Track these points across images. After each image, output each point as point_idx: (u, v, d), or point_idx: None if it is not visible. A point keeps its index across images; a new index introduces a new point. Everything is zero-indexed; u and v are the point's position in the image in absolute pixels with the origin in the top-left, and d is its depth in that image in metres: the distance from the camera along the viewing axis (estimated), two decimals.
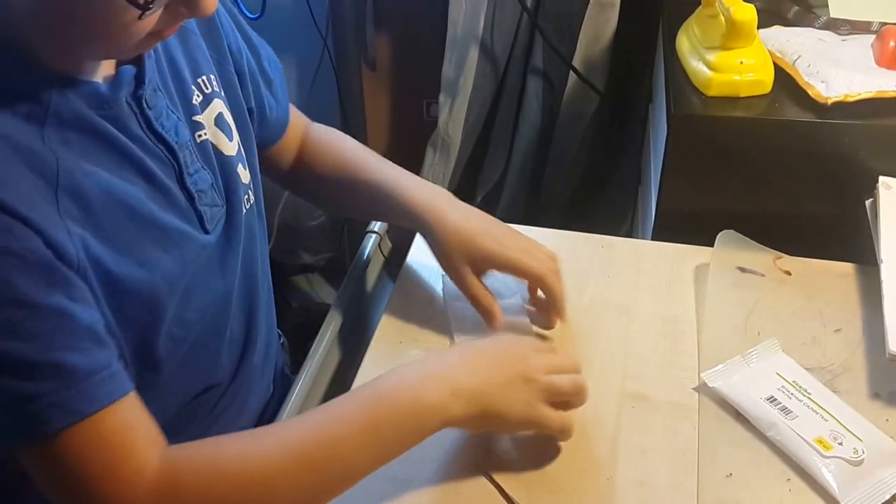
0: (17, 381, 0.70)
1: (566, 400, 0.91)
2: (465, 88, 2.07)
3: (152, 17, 0.74)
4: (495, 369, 0.88)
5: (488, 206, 2.19)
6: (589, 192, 2.17)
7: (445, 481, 0.90)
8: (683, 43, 1.35)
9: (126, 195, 0.81)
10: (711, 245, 1.16)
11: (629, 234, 2.02)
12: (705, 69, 1.27)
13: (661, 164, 1.32)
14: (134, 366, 0.84)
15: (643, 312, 1.09)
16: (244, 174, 0.98)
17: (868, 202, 1.15)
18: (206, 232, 0.91)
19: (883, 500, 0.86)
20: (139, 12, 0.71)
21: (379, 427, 0.83)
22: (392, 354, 1.05)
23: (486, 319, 1.05)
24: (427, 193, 1.09)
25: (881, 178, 1.16)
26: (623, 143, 2.09)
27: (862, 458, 0.89)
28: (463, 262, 1.04)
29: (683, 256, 1.18)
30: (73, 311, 0.73)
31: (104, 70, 0.83)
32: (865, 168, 1.20)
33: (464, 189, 2.20)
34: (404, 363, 0.88)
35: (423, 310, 1.11)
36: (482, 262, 1.05)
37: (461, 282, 1.05)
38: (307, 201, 1.25)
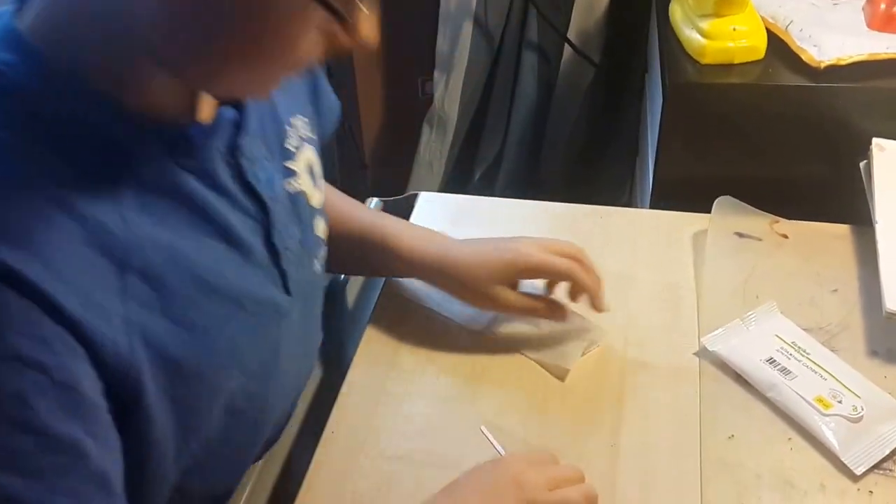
0: None
1: None
2: (460, 64, 2.07)
3: (311, 40, 0.63)
4: (474, 497, 0.79)
5: (487, 182, 2.21)
6: (587, 164, 2.19)
7: (446, 452, 0.90)
8: (676, 11, 1.37)
9: (204, 267, 0.70)
10: (709, 212, 1.17)
11: (628, 204, 2.04)
12: (699, 37, 1.28)
13: (657, 133, 1.34)
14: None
15: (643, 280, 1.11)
16: (320, 227, 0.88)
17: (862, 164, 1.17)
18: (289, 293, 0.80)
19: (883, 455, 0.88)
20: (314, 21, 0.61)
21: None
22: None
23: (550, 318, 1.01)
24: (421, 237, 1.01)
25: (874, 140, 1.17)
26: (620, 113, 2.10)
27: (861, 414, 0.91)
28: (491, 283, 0.98)
29: (681, 223, 1.19)
30: (88, 450, 0.61)
31: (198, 112, 0.70)
32: (859, 130, 1.22)
33: (462, 165, 2.21)
34: None
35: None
36: (508, 275, 0.98)
37: (496, 303, 0.99)
38: None
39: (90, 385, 0.61)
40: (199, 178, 0.70)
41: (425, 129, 2.18)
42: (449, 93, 2.11)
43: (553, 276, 1.00)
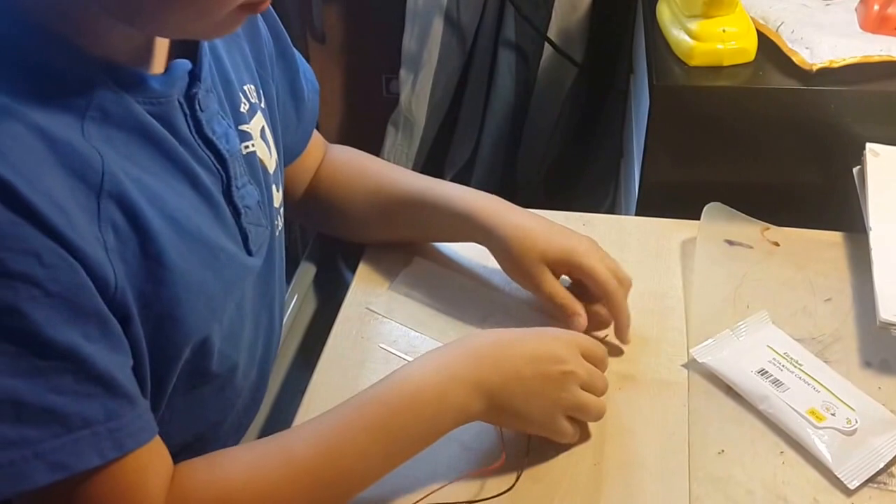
0: (0, 424, 0.65)
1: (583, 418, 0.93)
2: (429, 62, 2.07)
3: None
4: (527, 366, 0.87)
5: None
6: (567, 168, 2.19)
7: (426, 458, 0.90)
8: (664, 11, 1.39)
9: (173, 207, 0.77)
10: (697, 218, 1.19)
11: (611, 210, 2.05)
12: (687, 38, 1.31)
13: (643, 137, 1.36)
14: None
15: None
16: (277, 196, 0.95)
17: (855, 169, 1.20)
18: (250, 253, 0.88)
19: (877, 469, 0.90)
20: None
21: (392, 432, 0.83)
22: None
23: (570, 322, 1.02)
24: (481, 198, 1.07)
25: (868, 145, 1.20)
26: (603, 116, 2.11)
27: (855, 427, 0.93)
28: (537, 261, 1.02)
29: (669, 231, 1.21)
30: (87, 354, 0.68)
31: (155, 63, 0.79)
32: (852, 135, 1.25)
33: (430, 170, 2.21)
34: (421, 356, 0.88)
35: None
36: (557, 262, 1.03)
37: (537, 283, 1.03)
38: (324, 230, 1.21)
39: (88, 295, 0.68)
40: (163, 125, 0.77)
41: (390, 130, 2.17)
42: (416, 93, 2.11)
43: (594, 287, 1.03)
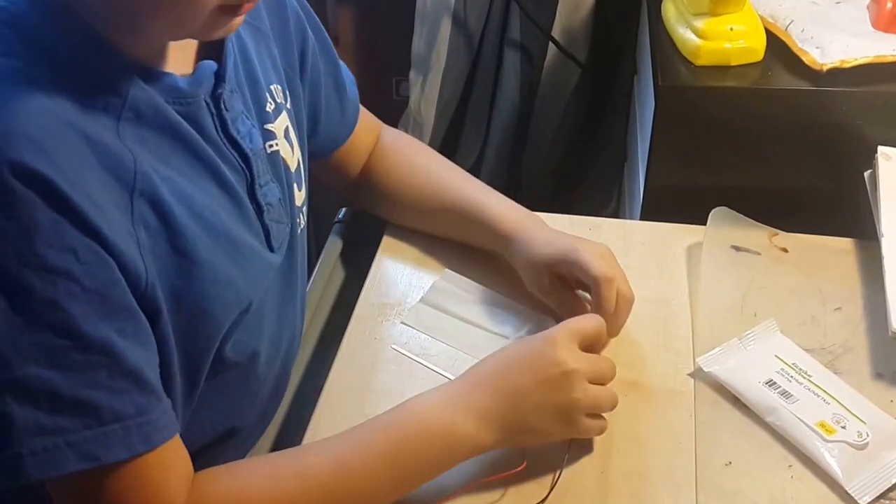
0: (36, 411, 0.69)
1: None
2: (437, 64, 2.07)
3: None
4: (529, 379, 0.88)
5: None
6: (572, 171, 2.19)
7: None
8: (669, 9, 1.38)
9: (202, 205, 0.81)
10: (703, 223, 1.18)
11: (615, 214, 2.05)
12: (693, 37, 1.29)
13: (648, 139, 1.35)
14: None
15: (634, 296, 1.11)
16: (298, 195, 0.98)
17: (867, 174, 1.18)
18: (272, 250, 0.92)
19: (889, 484, 0.89)
20: None
21: (402, 462, 0.85)
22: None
23: None
24: (514, 214, 1.10)
25: (880, 148, 1.18)
26: (607, 117, 2.10)
27: (866, 441, 0.92)
28: (540, 266, 1.04)
29: (675, 236, 1.20)
30: (120, 349, 0.72)
31: (183, 65, 0.83)
32: (864, 138, 1.23)
33: None
34: (431, 389, 0.90)
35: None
36: (555, 261, 1.03)
37: (544, 291, 1.05)
38: (375, 213, 1.23)
39: (122, 291, 0.72)
40: (191, 124, 0.81)
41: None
42: (425, 95, 2.11)
43: (585, 279, 1.01)
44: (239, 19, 0.77)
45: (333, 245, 1.27)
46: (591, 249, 1.02)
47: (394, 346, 1.06)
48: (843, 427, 0.93)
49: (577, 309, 1.03)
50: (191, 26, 0.75)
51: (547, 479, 0.91)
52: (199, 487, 0.80)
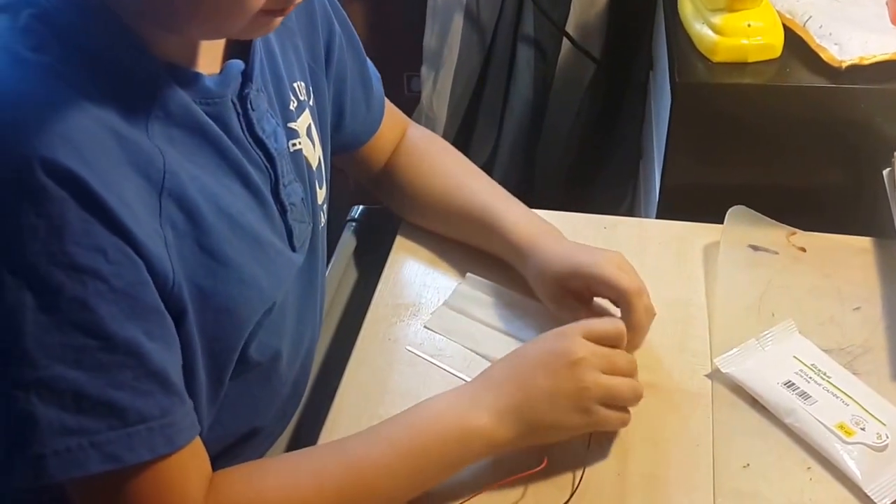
0: (61, 411, 0.69)
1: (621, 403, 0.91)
2: (449, 60, 2.07)
3: None
4: (542, 377, 0.88)
5: None
6: (586, 168, 2.19)
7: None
8: (686, 5, 1.37)
9: (229, 205, 0.81)
10: (720, 222, 1.17)
11: (630, 212, 2.04)
12: (710, 33, 1.29)
13: (664, 136, 1.34)
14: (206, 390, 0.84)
15: (650, 296, 1.10)
16: (320, 193, 0.99)
17: (885, 172, 1.17)
18: (294, 249, 0.92)
19: None
20: None
21: (418, 462, 0.85)
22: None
23: None
24: (532, 226, 1.08)
25: None
26: (622, 114, 2.10)
27: (886, 443, 0.91)
28: (551, 282, 1.03)
29: (691, 235, 1.19)
30: (146, 350, 0.72)
31: (211, 64, 0.83)
32: (882, 136, 1.23)
33: None
34: (448, 390, 0.90)
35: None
36: (569, 277, 1.02)
37: (557, 306, 1.04)
38: (394, 211, 1.23)
39: (149, 292, 0.73)
40: (218, 124, 0.81)
41: None
42: (438, 91, 2.11)
43: (607, 292, 1.01)
44: (279, 19, 0.76)
45: (347, 243, 1.27)
46: (610, 261, 1.01)
47: (408, 348, 1.06)
48: (863, 429, 0.92)
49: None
50: (231, 29, 0.75)
51: (566, 481, 0.90)
52: (217, 488, 0.80)
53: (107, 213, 0.68)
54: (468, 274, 1.13)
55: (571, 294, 1.03)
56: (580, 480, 0.90)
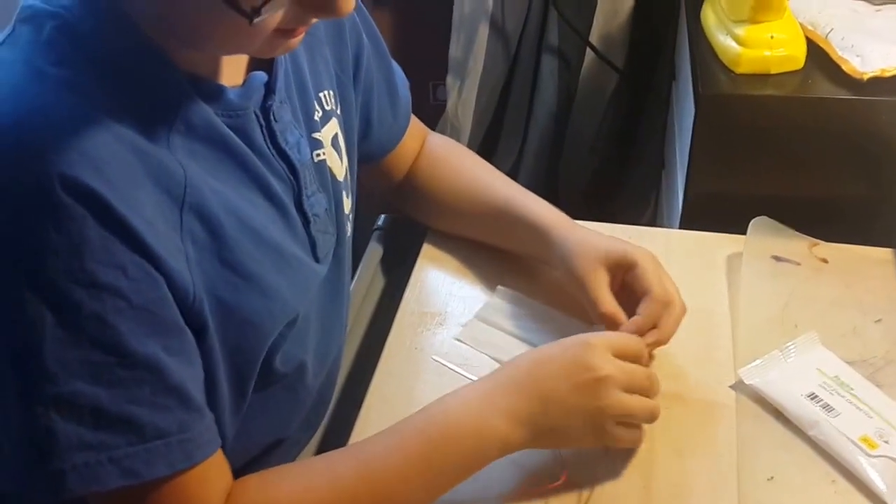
0: (79, 427, 0.69)
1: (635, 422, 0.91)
2: (474, 69, 2.07)
3: (273, 17, 0.69)
4: (561, 382, 0.86)
5: None
6: (609, 177, 2.18)
7: (480, 477, 0.89)
8: (709, 16, 1.37)
9: (252, 218, 0.80)
10: (744, 232, 1.16)
11: (652, 222, 2.03)
12: (734, 44, 1.28)
13: (688, 146, 1.34)
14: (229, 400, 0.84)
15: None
16: (346, 203, 0.97)
17: None
18: (318, 260, 0.91)
19: None
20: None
21: (433, 464, 0.84)
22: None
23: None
24: (554, 213, 1.09)
25: None
26: (645, 124, 2.10)
27: None
28: (595, 262, 1.01)
29: (714, 245, 1.19)
30: (165, 366, 0.72)
31: (234, 76, 0.82)
32: None
33: None
34: (460, 388, 0.89)
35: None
36: (616, 263, 1.01)
37: (588, 285, 1.01)
38: (416, 218, 1.22)
39: (169, 308, 0.72)
40: (240, 137, 0.80)
41: None
42: (463, 100, 2.12)
43: (644, 289, 1.00)
44: (296, 39, 0.75)
45: (373, 252, 1.27)
46: (647, 259, 1.01)
47: (434, 357, 1.06)
48: (887, 442, 0.92)
49: (607, 311, 1.00)
50: (248, 48, 0.75)
51: (586, 494, 0.90)
52: (232, 495, 0.80)
53: (126, 229, 0.68)
54: (499, 287, 1.13)
55: (608, 273, 1.02)
56: (591, 494, 0.90)
